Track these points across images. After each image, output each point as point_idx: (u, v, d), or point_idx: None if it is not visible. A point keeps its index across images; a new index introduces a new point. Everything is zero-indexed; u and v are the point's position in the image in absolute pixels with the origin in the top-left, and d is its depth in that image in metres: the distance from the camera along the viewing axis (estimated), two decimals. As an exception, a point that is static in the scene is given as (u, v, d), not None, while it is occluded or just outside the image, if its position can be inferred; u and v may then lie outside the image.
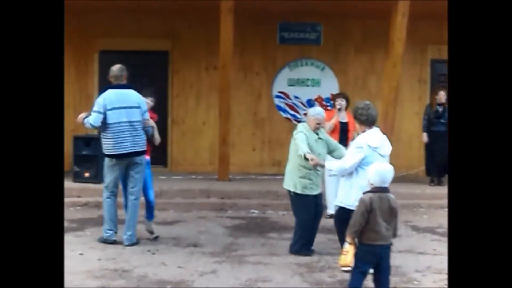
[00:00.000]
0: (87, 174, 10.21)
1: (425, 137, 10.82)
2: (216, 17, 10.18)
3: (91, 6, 11.18)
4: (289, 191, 6.93)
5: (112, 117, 6.90)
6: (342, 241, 5.91)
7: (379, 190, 5.06)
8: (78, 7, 11.31)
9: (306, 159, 6.58)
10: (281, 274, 6.15)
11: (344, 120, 8.80)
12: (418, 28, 11.55)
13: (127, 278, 5.92)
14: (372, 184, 5.08)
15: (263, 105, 12.25)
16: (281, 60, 12.24)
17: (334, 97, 9.26)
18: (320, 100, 12.03)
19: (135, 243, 7.11)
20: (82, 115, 7.08)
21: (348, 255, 5.00)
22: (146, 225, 7.49)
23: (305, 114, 9.24)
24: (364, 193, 5.14)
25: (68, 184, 10.04)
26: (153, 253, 6.82)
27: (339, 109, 8.80)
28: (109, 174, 7.11)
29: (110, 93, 7.01)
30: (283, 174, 7.16)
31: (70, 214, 8.83)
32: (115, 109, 6.89)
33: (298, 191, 6.83)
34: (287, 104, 12.23)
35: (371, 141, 6.09)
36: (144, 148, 7.13)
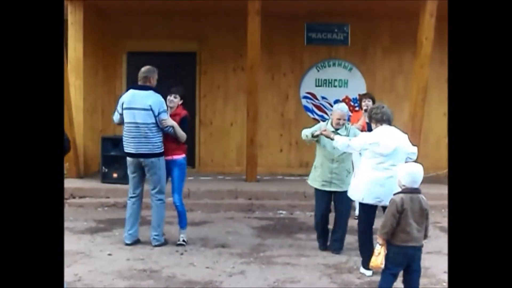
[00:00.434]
0: (115, 175, 10.22)
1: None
2: (244, 18, 10.21)
3: (119, 8, 11.29)
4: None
5: (125, 117, 7.02)
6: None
7: (411, 191, 5.02)
8: (106, 9, 11.47)
9: (314, 137, 6.82)
10: (309, 275, 6.14)
11: (371, 121, 8.72)
12: (446, 28, 11.38)
13: (156, 278, 5.96)
14: (404, 185, 5.04)
15: (291, 106, 12.22)
16: (308, 61, 12.18)
17: (361, 97, 9.22)
18: (347, 101, 11.93)
19: (163, 243, 7.14)
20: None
21: (379, 257, 4.97)
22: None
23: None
24: (395, 194, 5.10)
25: (97, 184, 10.15)
26: (181, 254, 6.85)
27: (365, 110, 8.72)
28: (128, 174, 7.25)
29: (128, 93, 7.11)
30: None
31: (98, 214, 8.93)
32: (127, 109, 6.98)
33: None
34: (314, 105, 12.18)
35: (370, 138, 6.07)
36: (154, 150, 6.98)
